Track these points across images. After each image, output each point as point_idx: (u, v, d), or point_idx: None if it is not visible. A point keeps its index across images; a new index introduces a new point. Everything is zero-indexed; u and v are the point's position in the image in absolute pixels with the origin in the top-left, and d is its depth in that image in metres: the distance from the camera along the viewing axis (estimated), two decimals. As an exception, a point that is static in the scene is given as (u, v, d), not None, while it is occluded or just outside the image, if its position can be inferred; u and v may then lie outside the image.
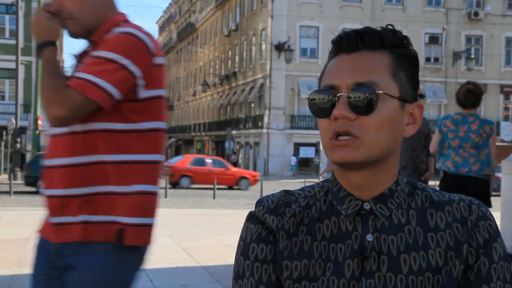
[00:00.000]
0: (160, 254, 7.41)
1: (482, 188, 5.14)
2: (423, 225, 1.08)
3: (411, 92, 1.10)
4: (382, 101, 1.04)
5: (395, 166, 1.11)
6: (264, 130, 36.99)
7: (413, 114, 1.11)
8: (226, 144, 38.46)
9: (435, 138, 5.35)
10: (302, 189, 1.18)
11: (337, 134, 1.04)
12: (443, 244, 1.07)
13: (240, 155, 42.65)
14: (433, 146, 5.39)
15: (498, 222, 6.87)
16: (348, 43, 1.07)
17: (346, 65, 1.06)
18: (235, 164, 39.22)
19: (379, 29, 1.09)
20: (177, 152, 65.57)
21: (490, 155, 5.16)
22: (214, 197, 18.12)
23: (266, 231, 1.11)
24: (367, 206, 1.08)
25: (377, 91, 1.03)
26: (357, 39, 1.07)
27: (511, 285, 1.07)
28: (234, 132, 41.15)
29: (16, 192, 18.16)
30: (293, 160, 36.41)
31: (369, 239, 1.06)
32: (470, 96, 5.19)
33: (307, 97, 1.10)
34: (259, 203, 1.15)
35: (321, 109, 1.06)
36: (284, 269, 1.09)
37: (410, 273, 1.05)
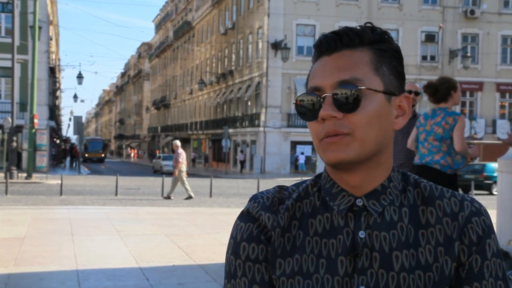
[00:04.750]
0: (157, 253, 7.41)
1: (436, 178, 4.97)
2: (415, 222, 1.08)
3: (396, 85, 1.09)
4: (367, 97, 1.04)
5: (388, 161, 1.10)
6: (261, 129, 36.98)
7: (402, 106, 1.11)
8: (223, 143, 38.40)
9: (412, 134, 5.36)
10: (295, 184, 1.18)
11: (327, 135, 1.04)
12: (433, 240, 1.06)
13: (238, 154, 42.62)
14: (409, 142, 5.41)
15: (494, 220, 6.89)
16: (327, 45, 1.08)
17: (327, 66, 1.07)
18: (243, 163, 39.07)
19: (357, 27, 1.09)
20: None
21: (453, 145, 5.08)
22: (210, 196, 18.11)
23: (257, 230, 1.10)
24: (359, 202, 1.07)
25: (360, 87, 1.03)
26: (335, 40, 1.07)
27: (503, 282, 1.06)
28: (230, 130, 41.10)
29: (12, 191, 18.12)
30: (302, 158, 36.42)
31: (361, 236, 1.06)
32: (428, 90, 5.20)
33: (293, 102, 1.10)
34: (253, 199, 1.14)
35: (308, 112, 1.07)
36: (277, 267, 1.09)
37: (402, 271, 1.04)
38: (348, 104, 1.03)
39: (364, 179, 1.07)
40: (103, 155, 65.00)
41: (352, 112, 1.03)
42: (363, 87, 1.03)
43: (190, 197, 16.69)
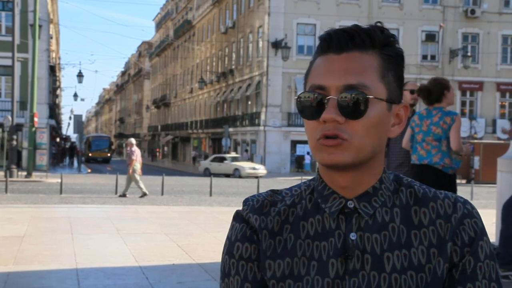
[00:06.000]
0: (156, 252, 7.41)
1: (438, 178, 5.04)
2: (407, 222, 1.07)
3: (397, 93, 1.09)
4: (371, 104, 1.03)
5: (379, 165, 1.10)
6: (261, 128, 36.98)
7: (399, 115, 1.10)
8: (223, 142, 38.38)
9: (407, 133, 5.37)
10: (289, 188, 1.18)
11: (325, 136, 1.03)
12: (426, 241, 1.06)
13: (238, 153, 42.62)
14: (404, 142, 5.41)
15: (493, 219, 6.88)
16: (338, 43, 1.05)
17: (335, 66, 1.04)
18: None
19: (367, 27, 1.07)
20: (174, 150, 65.40)
21: (450, 145, 5.08)
22: (210, 195, 18.10)
23: (250, 230, 1.12)
24: (351, 204, 1.07)
25: (367, 96, 1.02)
26: (347, 39, 1.05)
27: (497, 283, 1.06)
28: (231, 129, 41.10)
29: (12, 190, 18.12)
30: (308, 158, 36.35)
31: (353, 238, 1.06)
32: (421, 93, 5.20)
33: (295, 97, 1.09)
34: (245, 202, 1.15)
35: (309, 111, 1.05)
36: (267, 268, 1.09)
37: (393, 272, 1.04)
38: (352, 111, 1.02)
39: (355, 181, 1.07)
40: (109, 154, 58.59)
41: (355, 119, 1.02)
42: (370, 96, 1.02)
43: (144, 195, 16.60)
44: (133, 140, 17.09)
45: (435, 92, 5.17)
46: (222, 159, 34.27)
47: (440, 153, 5.11)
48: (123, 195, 16.72)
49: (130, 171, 16.55)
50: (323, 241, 1.07)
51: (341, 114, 1.02)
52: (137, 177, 16.63)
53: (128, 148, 16.96)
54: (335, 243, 1.06)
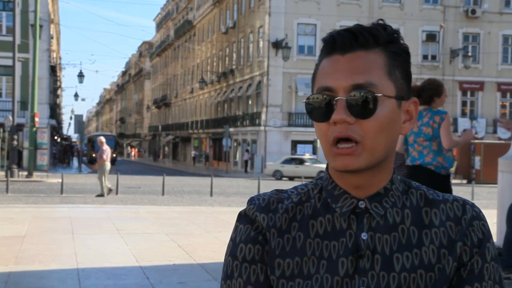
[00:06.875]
0: (157, 252, 7.41)
1: (431, 179, 5.02)
2: (418, 223, 1.09)
3: (406, 89, 1.09)
4: (380, 102, 1.03)
5: (391, 165, 1.11)
6: (262, 128, 36.97)
7: (409, 111, 1.11)
8: (224, 142, 38.37)
9: (400, 137, 5.34)
10: (294, 187, 1.17)
11: (337, 139, 1.03)
12: (437, 241, 1.07)
13: (238, 153, 42.62)
14: (398, 145, 5.41)
15: (494, 220, 6.88)
16: (342, 43, 1.05)
17: (341, 66, 1.04)
18: (246, 162, 38.92)
19: (369, 25, 1.07)
20: (175, 150, 65.39)
21: (442, 143, 5.08)
22: (211, 195, 18.10)
23: (255, 232, 1.11)
24: (362, 204, 1.08)
25: (376, 94, 1.02)
26: (351, 39, 1.05)
27: (499, 285, 1.09)
28: (231, 129, 41.09)
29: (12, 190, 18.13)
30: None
31: (364, 238, 1.06)
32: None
33: (303, 101, 1.09)
34: (250, 201, 1.14)
35: (319, 113, 1.05)
36: (276, 267, 1.09)
37: (403, 271, 1.05)
38: (362, 110, 1.02)
39: (368, 182, 1.08)
40: (114, 154, 52.64)
41: (365, 118, 1.02)
42: (379, 94, 1.02)
43: (101, 195, 16.54)
44: (103, 139, 17.05)
45: (424, 96, 5.17)
46: (300, 161, 30.82)
47: (431, 153, 5.13)
48: (101, 195, 16.62)
49: (97, 166, 16.61)
50: (333, 240, 1.08)
51: (350, 114, 1.02)
52: (106, 175, 16.60)
53: (100, 147, 16.83)
54: (346, 242, 1.07)
